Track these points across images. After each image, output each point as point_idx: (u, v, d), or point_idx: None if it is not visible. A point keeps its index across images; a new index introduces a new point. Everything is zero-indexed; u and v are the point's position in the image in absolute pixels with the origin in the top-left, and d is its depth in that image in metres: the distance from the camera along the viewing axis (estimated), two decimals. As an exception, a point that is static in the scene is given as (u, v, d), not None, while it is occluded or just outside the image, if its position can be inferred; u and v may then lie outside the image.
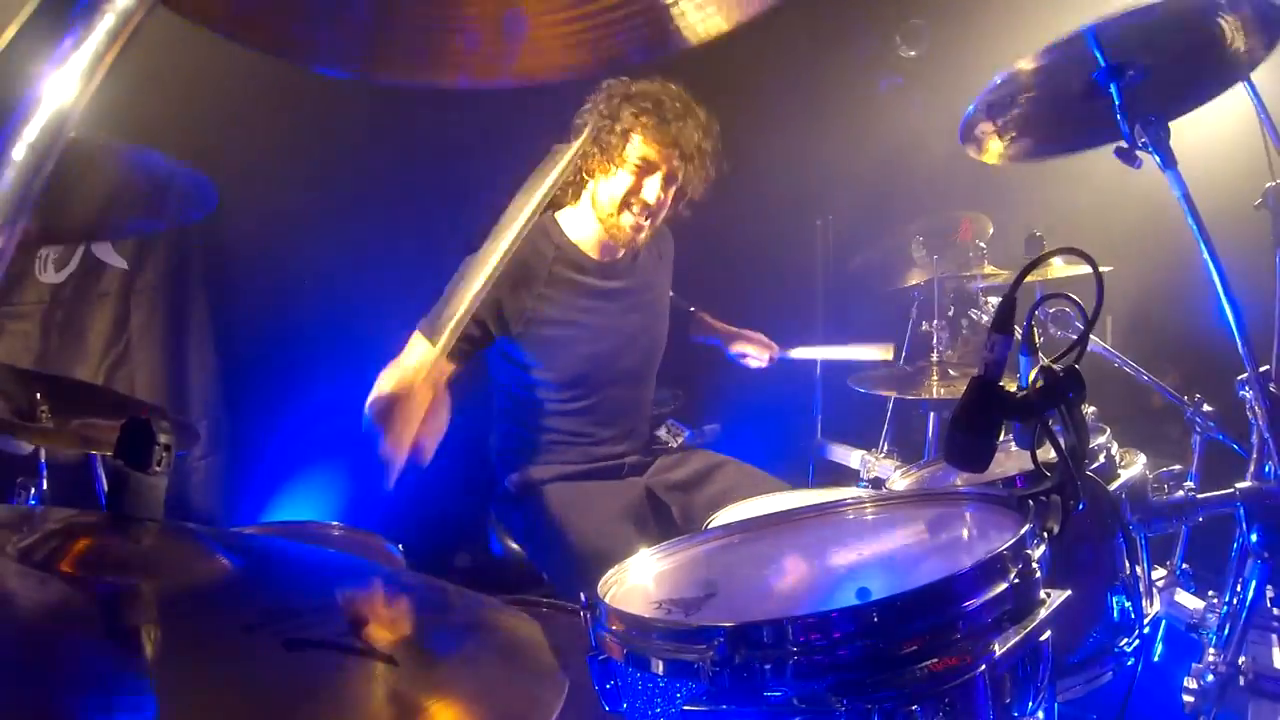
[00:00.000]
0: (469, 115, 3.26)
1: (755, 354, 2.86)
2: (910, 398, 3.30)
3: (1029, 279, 1.47)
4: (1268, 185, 1.78)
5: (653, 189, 2.34)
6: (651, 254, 2.67)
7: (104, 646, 0.75)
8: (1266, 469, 1.69)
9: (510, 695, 0.83)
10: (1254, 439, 1.74)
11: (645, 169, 2.33)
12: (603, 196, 2.39)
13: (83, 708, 0.66)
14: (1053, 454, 1.26)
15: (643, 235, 2.42)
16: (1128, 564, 1.46)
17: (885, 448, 3.52)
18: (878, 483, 2.28)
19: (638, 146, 2.32)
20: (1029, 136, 1.90)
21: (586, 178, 2.41)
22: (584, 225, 2.47)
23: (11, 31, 0.48)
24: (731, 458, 2.68)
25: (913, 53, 4.09)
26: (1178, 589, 2.16)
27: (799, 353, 2.93)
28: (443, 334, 1.87)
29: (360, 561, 1.19)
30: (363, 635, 0.85)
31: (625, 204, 2.36)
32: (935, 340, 3.35)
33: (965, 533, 1.39)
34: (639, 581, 1.37)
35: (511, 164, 2.63)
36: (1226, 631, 1.69)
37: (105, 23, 0.49)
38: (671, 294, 2.83)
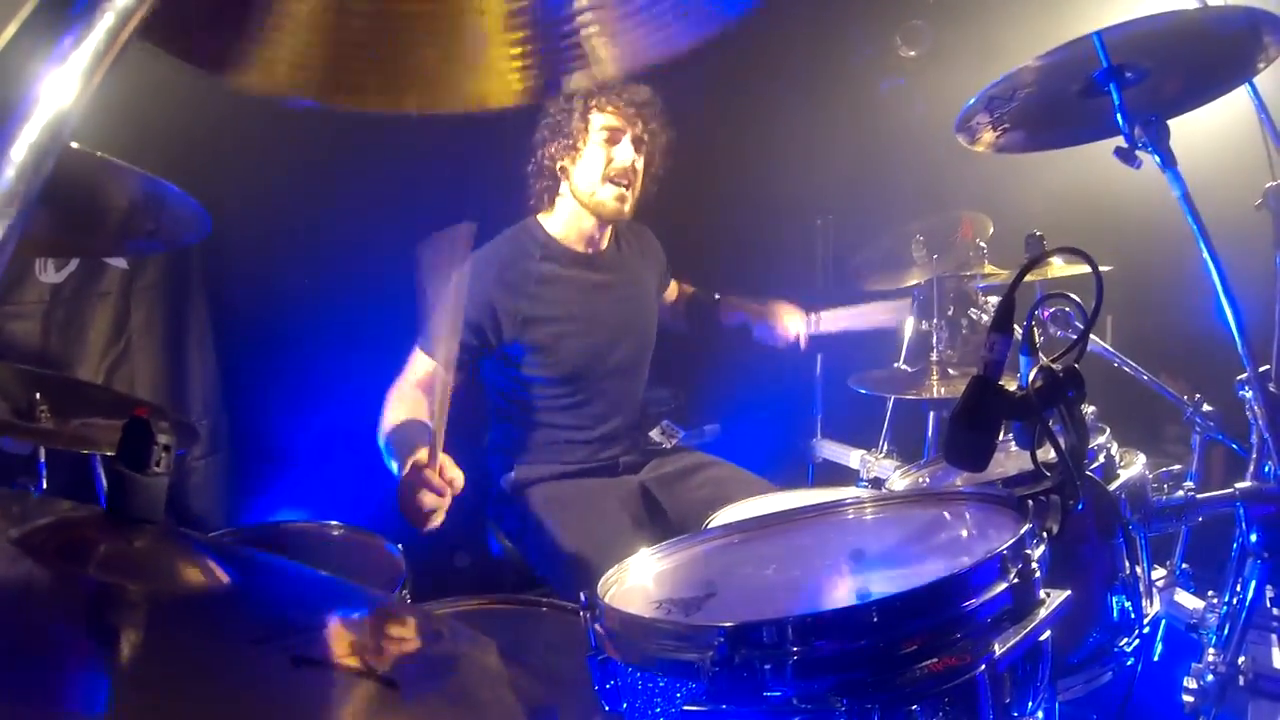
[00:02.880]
0: (469, 119, 3.26)
1: (782, 327, 2.79)
2: (910, 397, 3.30)
3: (1029, 278, 1.47)
4: (1268, 185, 1.78)
5: (625, 153, 2.44)
6: (634, 248, 2.72)
7: (83, 642, 0.75)
8: (1266, 469, 1.69)
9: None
10: (1254, 439, 1.74)
11: (612, 137, 2.44)
12: (580, 180, 2.47)
13: (53, 695, 0.66)
14: (1052, 454, 1.26)
15: (628, 206, 2.48)
16: (1128, 564, 1.46)
17: (885, 447, 3.51)
18: (877, 482, 2.28)
19: (599, 119, 2.44)
20: (1022, 129, 1.91)
21: (561, 177, 2.50)
22: (564, 222, 2.55)
23: (11, 31, 0.48)
24: (721, 459, 2.69)
25: (913, 53, 4.08)
26: (1177, 589, 2.16)
27: (828, 323, 2.80)
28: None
29: (348, 586, 1.18)
30: (365, 657, 0.85)
31: (605, 177, 2.44)
32: (935, 340, 3.35)
33: (965, 533, 1.38)
34: (639, 581, 1.37)
35: (510, 168, 2.64)
36: (1226, 631, 1.69)
37: (105, 22, 0.49)
38: (693, 289, 2.93)
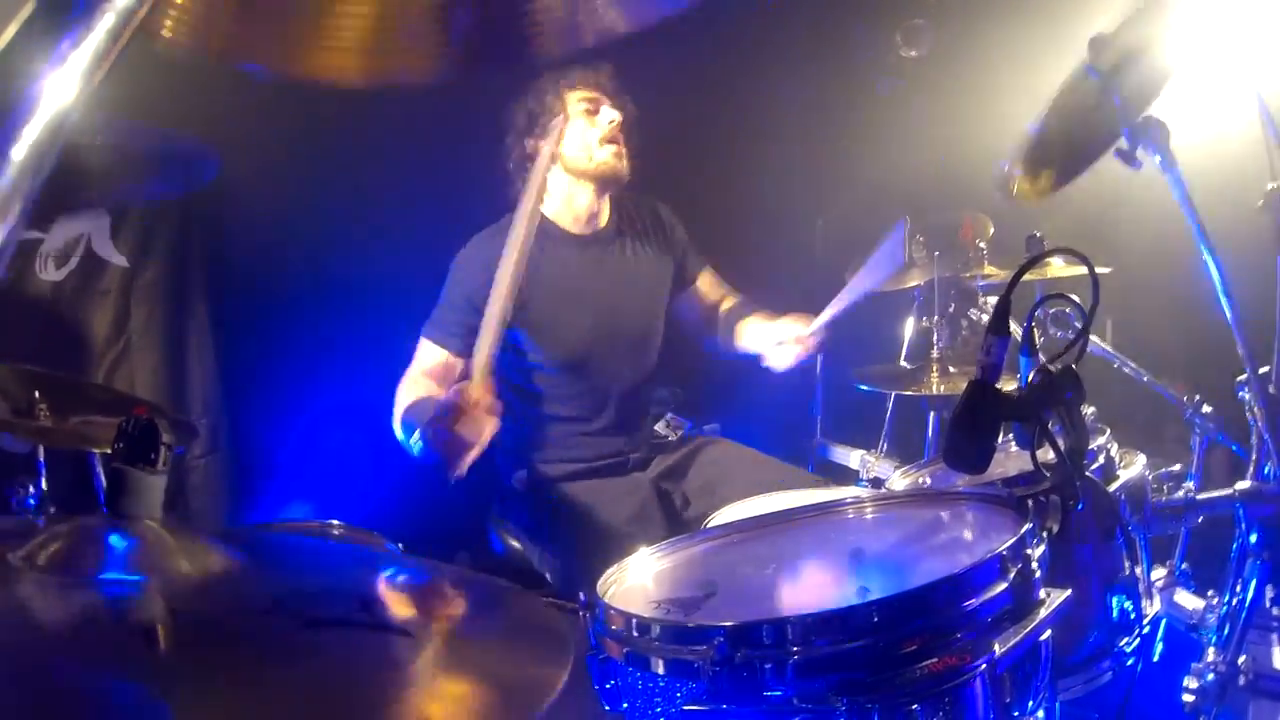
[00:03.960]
0: (470, 115, 3.26)
1: (788, 337, 2.54)
2: (910, 394, 3.30)
3: (1029, 278, 1.47)
4: (1269, 186, 1.78)
5: (608, 115, 2.47)
6: (640, 227, 2.68)
7: (116, 644, 0.76)
8: (1266, 470, 1.69)
9: (514, 671, 0.84)
10: (1253, 440, 1.74)
11: (592, 107, 2.47)
12: (572, 150, 2.47)
13: (97, 705, 0.67)
14: (1052, 454, 1.26)
15: (626, 162, 2.49)
16: (1128, 564, 1.46)
17: (885, 447, 3.51)
18: (877, 482, 2.27)
19: (574, 95, 2.46)
20: (1053, 167, 1.90)
21: (551, 163, 2.49)
22: (558, 203, 2.55)
23: (11, 31, 0.48)
24: (721, 437, 2.69)
25: (913, 53, 4.08)
26: (1178, 589, 2.15)
27: (823, 318, 2.50)
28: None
29: (362, 549, 1.21)
30: (376, 612, 0.87)
31: (601, 139, 2.46)
32: (935, 339, 3.35)
33: (965, 533, 1.39)
34: (638, 581, 1.37)
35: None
36: (1226, 631, 1.69)
37: (105, 23, 0.49)
38: (735, 300, 2.78)
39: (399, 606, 0.95)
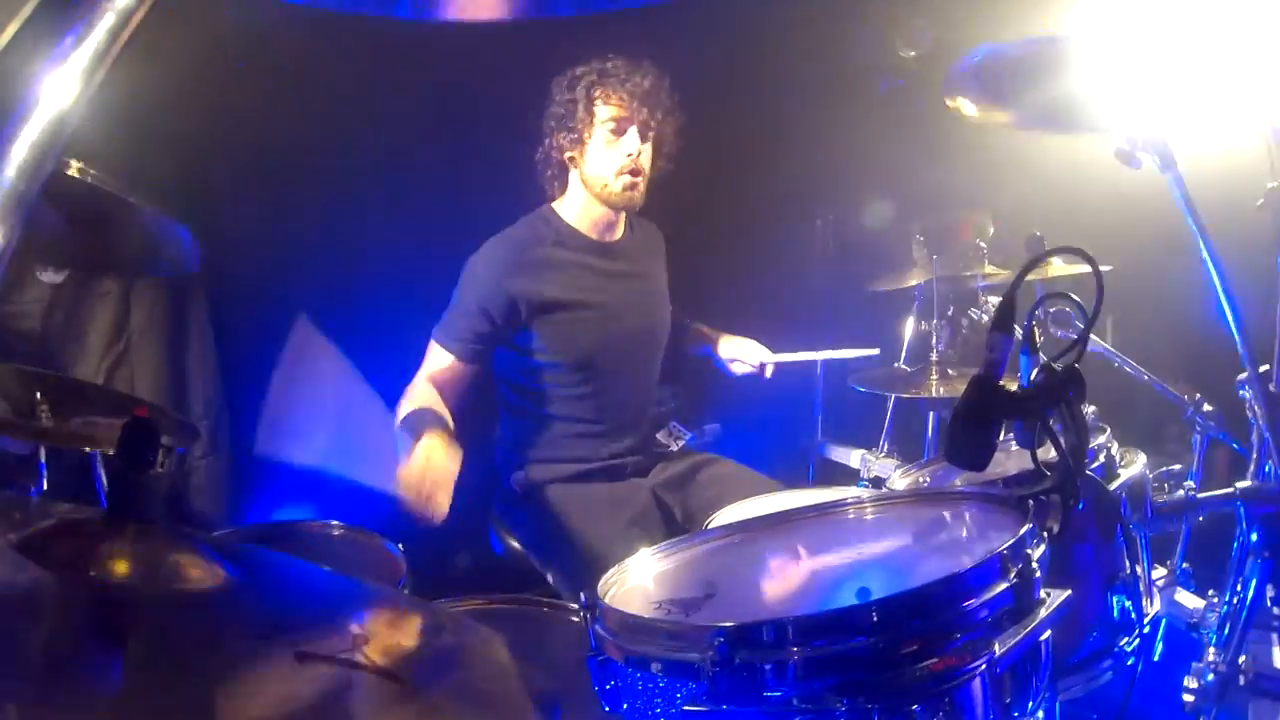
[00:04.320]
0: (473, 112, 3.26)
1: (744, 358, 2.81)
2: (910, 396, 3.30)
3: (1029, 278, 1.47)
4: (1269, 186, 1.78)
5: (632, 143, 2.44)
6: (644, 242, 2.72)
7: (90, 644, 0.75)
8: (1266, 468, 1.69)
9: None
10: (1254, 438, 1.74)
11: (618, 128, 2.44)
12: (591, 171, 2.47)
13: (57, 696, 0.66)
14: (1053, 453, 1.26)
15: (639, 192, 2.49)
16: (1128, 563, 1.47)
17: (885, 447, 3.51)
18: (878, 482, 2.28)
19: (603, 110, 2.43)
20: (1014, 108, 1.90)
21: (571, 166, 2.51)
22: (577, 209, 2.55)
23: (11, 31, 0.48)
24: (725, 457, 2.70)
25: (913, 53, 4.08)
26: (1178, 588, 2.16)
27: (784, 356, 2.84)
28: None
29: (352, 582, 1.19)
30: (364, 652, 0.85)
31: (616, 171, 2.45)
32: (935, 340, 3.35)
33: (965, 532, 1.39)
34: (639, 582, 1.37)
35: (513, 162, 2.64)
36: (1226, 631, 1.69)
37: (105, 22, 0.49)
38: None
39: (392, 649, 0.93)
